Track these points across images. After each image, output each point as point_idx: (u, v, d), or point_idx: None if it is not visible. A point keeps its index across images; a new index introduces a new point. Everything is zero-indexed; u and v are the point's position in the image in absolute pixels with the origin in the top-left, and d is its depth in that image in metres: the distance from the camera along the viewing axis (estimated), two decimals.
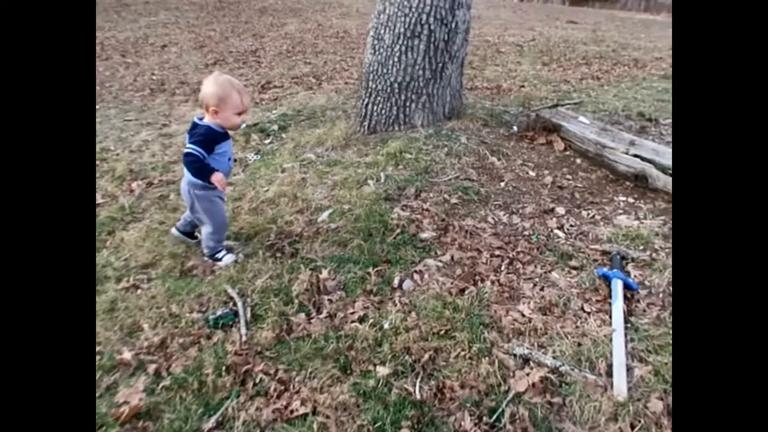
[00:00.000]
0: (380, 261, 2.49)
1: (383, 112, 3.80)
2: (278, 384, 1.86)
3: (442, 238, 2.68)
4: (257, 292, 2.29)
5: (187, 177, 2.36)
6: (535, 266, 2.49)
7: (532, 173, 3.34)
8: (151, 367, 1.95)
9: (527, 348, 1.97)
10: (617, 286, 2.27)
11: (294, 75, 6.78)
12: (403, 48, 3.61)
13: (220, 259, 2.52)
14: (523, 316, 2.16)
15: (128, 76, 6.92)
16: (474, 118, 3.94)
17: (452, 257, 2.53)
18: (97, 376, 1.94)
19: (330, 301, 2.26)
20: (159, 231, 2.84)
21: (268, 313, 2.16)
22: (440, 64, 3.69)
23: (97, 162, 3.96)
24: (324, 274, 2.39)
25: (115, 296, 2.34)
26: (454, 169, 3.31)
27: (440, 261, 2.51)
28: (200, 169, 2.25)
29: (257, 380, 1.88)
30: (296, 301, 2.23)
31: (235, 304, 2.24)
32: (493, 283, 2.36)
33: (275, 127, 4.44)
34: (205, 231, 2.48)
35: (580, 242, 2.69)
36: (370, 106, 3.84)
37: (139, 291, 2.39)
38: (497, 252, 2.58)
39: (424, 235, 2.68)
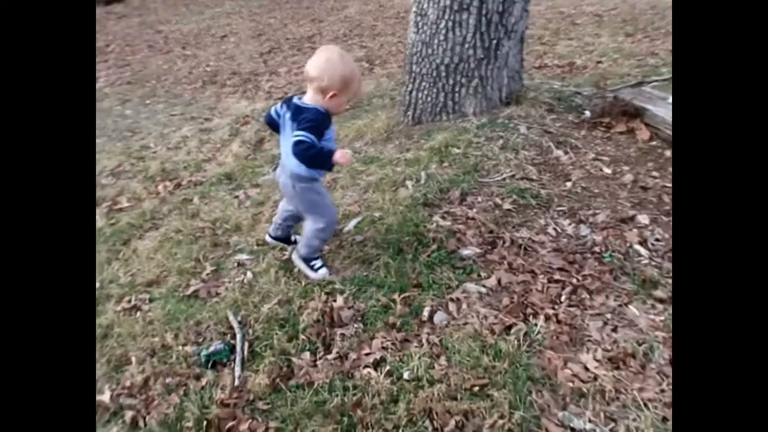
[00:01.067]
0: (409, 285, 2.06)
1: (429, 99, 3.32)
2: None
3: (488, 255, 2.20)
4: (261, 322, 1.95)
5: (288, 170, 2.00)
6: (607, 296, 1.95)
7: (607, 170, 2.74)
8: (128, 415, 1.67)
9: (590, 420, 1.48)
10: None
11: None
12: (450, 24, 3.10)
13: (315, 270, 2.15)
14: (587, 369, 1.65)
15: (184, 69, 6.88)
16: (537, 103, 3.35)
17: (499, 281, 2.05)
18: None
19: (343, 336, 1.87)
20: (173, 241, 2.58)
21: (268, 350, 1.81)
22: (494, 41, 3.14)
23: (133, 161, 3.83)
24: (339, 301, 2.00)
25: (113, 320, 2.10)
26: (509, 166, 2.78)
27: (483, 286, 2.04)
28: (317, 155, 1.85)
29: None
30: (302, 335, 1.86)
31: (233, 337, 1.91)
32: (548, 319, 1.86)
33: None
34: (310, 228, 2.10)
35: (669, 263, 2.10)
36: (414, 93, 3.37)
37: (138, 314, 2.13)
38: (557, 275, 2.06)
39: (465, 252, 2.21)
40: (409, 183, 2.73)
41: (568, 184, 2.64)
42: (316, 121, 1.84)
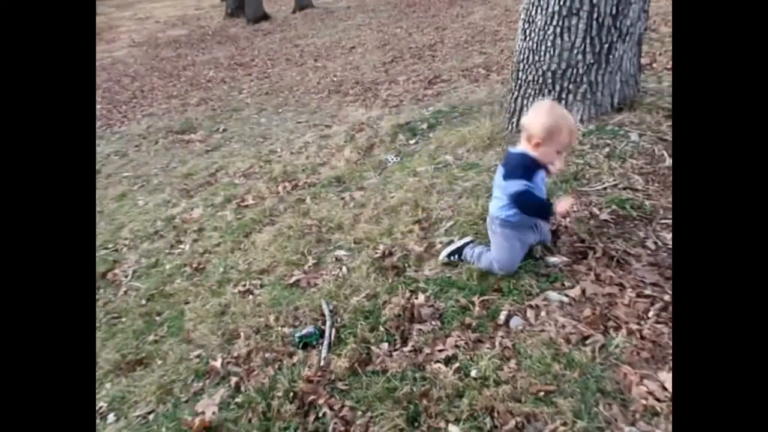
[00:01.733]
0: (489, 289, 2.11)
1: None
2: (339, 422, 1.69)
3: (576, 264, 2.16)
4: (348, 312, 2.15)
5: (491, 213, 2.15)
6: None
7: None
8: (233, 380, 1.96)
9: None
10: None
11: (465, 67, 6.48)
12: (558, 30, 3.05)
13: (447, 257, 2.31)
14: (664, 389, 1.58)
15: (314, 79, 7.49)
16: (655, 109, 3.15)
17: (583, 291, 2.02)
18: (189, 380, 2.03)
19: (420, 331, 1.99)
20: (285, 236, 2.91)
21: (351, 338, 2.00)
22: (606, 45, 3.02)
23: (262, 164, 4.31)
24: (420, 298, 2.12)
25: (230, 300, 2.45)
26: (613, 175, 2.67)
27: (566, 295, 2.02)
28: (538, 207, 2.01)
29: (320, 414, 1.74)
30: (382, 327, 2.02)
31: (324, 323, 2.13)
32: (631, 333, 1.80)
33: (425, 125, 4.25)
34: (488, 258, 2.17)
35: None
36: (519, 100, 3.36)
37: (250, 297, 2.46)
38: (648, 290, 1.97)
39: (552, 260, 2.20)
40: None
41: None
42: (523, 166, 1.97)
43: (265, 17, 15.35)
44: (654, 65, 4.97)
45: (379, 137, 4.24)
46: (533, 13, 3.15)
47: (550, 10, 3.05)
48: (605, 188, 2.60)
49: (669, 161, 2.71)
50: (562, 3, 3.00)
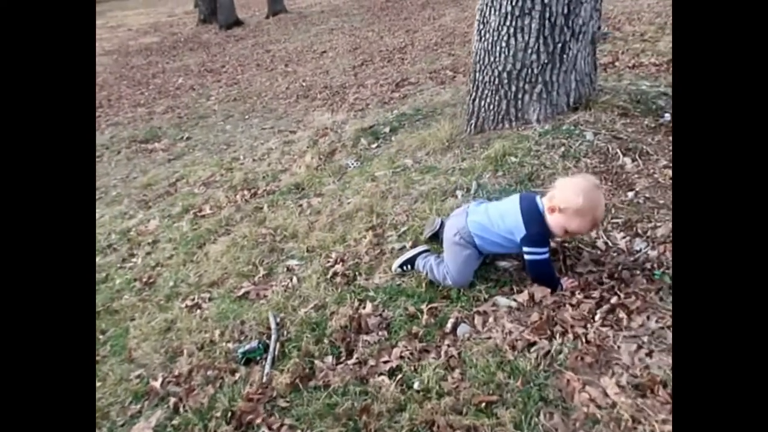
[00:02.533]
0: (438, 296, 2.07)
1: (491, 107, 3.26)
2: None
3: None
4: (295, 324, 2.09)
5: (454, 226, 2.07)
6: (648, 317, 1.79)
7: None
8: (172, 401, 1.88)
9: None
10: None
11: (433, 69, 6.46)
12: (511, 30, 3.03)
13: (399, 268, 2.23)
14: (606, 395, 1.54)
15: (283, 85, 7.41)
16: (610, 107, 3.14)
17: (531, 296, 1.98)
18: (127, 402, 1.95)
19: (366, 343, 1.94)
20: (239, 246, 2.83)
21: (295, 352, 1.94)
22: (559, 44, 3.00)
23: (223, 172, 4.23)
24: (368, 308, 2.07)
25: (177, 315, 2.37)
26: (567, 174, 2.65)
27: (514, 300, 1.98)
28: (549, 280, 1.96)
29: None
30: (328, 339, 1.96)
31: (269, 337, 2.06)
32: (577, 337, 1.76)
33: (388, 129, 4.20)
34: (441, 269, 2.09)
35: None
36: (477, 101, 3.33)
37: (197, 311, 2.38)
38: (596, 292, 1.93)
39: (502, 263, 2.16)
40: (459, 193, 2.72)
41: (630, 194, 2.45)
42: (541, 235, 1.91)
43: (238, 23, 15.21)
44: (616, 63, 5.01)
45: (342, 142, 4.18)
46: (487, 14, 3.13)
47: (503, 10, 3.03)
48: None
49: (622, 160, 2.70)
50: (514, 3, 2.97)
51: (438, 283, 2.10)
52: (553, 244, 2.10)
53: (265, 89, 7.32)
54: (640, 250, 2.12)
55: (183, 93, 7.99)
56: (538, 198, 1.95)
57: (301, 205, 3.18)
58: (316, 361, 1.88)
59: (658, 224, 2.23)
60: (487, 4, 3.12)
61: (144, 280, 2.76)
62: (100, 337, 2.40)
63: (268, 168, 4.03)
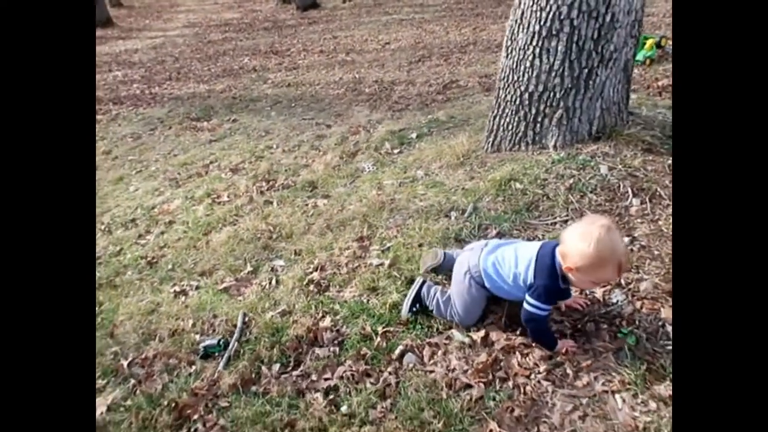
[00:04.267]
0: (396, 320, 2.07)
1: (510, 127, 3.17)
2: None
3: (492, 305, 2.08)
4: (259, 326, 2.17)
5: (465, 262, 1.98)
6: (596, 379, 1.72)
7: None
8: (131, 383, 2.02)
9: None
10: None
11: (485, 74, 6.31)
12: (537, 50, 2.91)
13: (408, 305, 2.09)
14: None
15: (338, 74, 7.51)
16: (634, 140, 2.96)
17: (487, 336, 1.94)
18: (96, 377, 2.11)
19: (316, 356, 1.98)
20: (238, 239, 2.95)
21: (248, 354, 2.02)
22: (586, 70, 2.86)
23: (253, 159, 4.38)
24: (326, 321, 2.11)
25: (163, 299, 2.51)
26: (567, 209, 2.55)
27: (469, 337, 1.95)
28: (544, 339, 1.84)
29: (192, 429, 1.77)
30: (282, 347, 2.03)
31: (231, 334, 2.16)
32: (516, 387, 1.72)
33: (415, 134, 4.18)
34: (448, 305, 2.01)
35: None
36: (497, 119, 3.24)
37: (182, 298, 2.51)
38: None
39: None
40: (453, 214, 2.69)
41: (626, 239, 2.32)
42: (548, 292, 1.73)
43: (315, 5, 15.47)
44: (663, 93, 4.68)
45: (369, 143, 4.22)
46: (516, 31, 3.02)
47: (531, 29, 2.92)
48: (554, 223, 2.49)
49: (630, 200, 2.55)
50: (542, 23, 2.86)
51: (443, 318, 2.03)
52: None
53: (320, 78, 7.44)
54: (616, 302, 2.02)
55: (244, 73, 8.29)
56: (557, 249, 1.73)
57: (307, 205, 3.25)
58: (264, 368, 1.95)
59: (645, 277, 2.11)
60: (516, 21, 3.02)
61: (149, 259, 2.95)
62: (96, 309, 2.59)
63: (293, 161, 4.13)
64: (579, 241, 1.62)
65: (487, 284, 1.92)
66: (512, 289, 1.86)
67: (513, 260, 1.84)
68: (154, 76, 9.00)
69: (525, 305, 1.77)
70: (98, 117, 6.57)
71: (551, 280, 1.73)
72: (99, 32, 14.46)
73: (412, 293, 2.10)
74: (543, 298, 1.73)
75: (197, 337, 2.19)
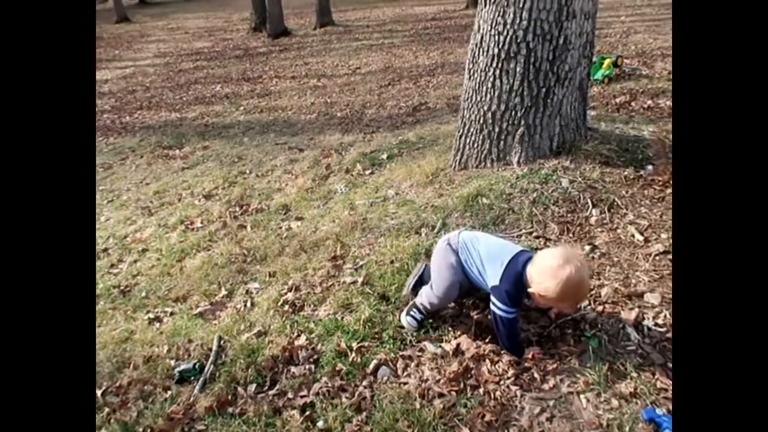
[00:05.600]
0: (371, 335, 2.12)
1: (475, 145, 3.29)
2: None
3: (462, 316, 2.15)
4: (235, 349, 2.18)
5: (448, 235, 2.09)
6: (562, 381, 1.79)
7: (638, 236, 2.45)
8: (105, 411, 2.00)
9: None
10: None
11: (453, 95, 6.50)
12: (497, 72, 3.06)
13: (407, 314, 2.12)
14: None
15: (310, 99, 7.62)
16: (594, 154, 3.11)
17: (458, 346, 2.00)
18: None
19: (292, 375, 2.01)
20: (212, 263, 2.97)
21: (224, 376, 2.03)
22: (543, 89, 3.01)
23: (226, 185, 4.41)
24: (302, 339, 2.15)
25: (138, 327, 2.51)
26: (532, 222, 2.65)
27: (441, 348, 2.01)
28: (511, 342, 1.88)
29: None
30: (257, 367, 2.05)
31: (207, 358, 2.17)
32: (486, 393, 1.78)
33: (386, 156, 4.28)
34: (427, 287, 2.09)
35: (658, 354, 1.84)
36: (463, 138, 3.37)
37: (157, 325, 2.51)
38: None
39: (443, 312, 2.19)
40: (423, 230, 2.76)
41: (587, 248, 2.43)
42: (515, 294, 1.80)
43: (286, 33, 15.69)
44: (633, 104, 4.91)
45: (341, 165, 4.30)
46: (477, 54, 3.17)
47: (491, 52, 3.07)
48: (520, 235, 2.58)
49: (590, 211, 2.68)
50: (501, 46, 3.01)
51: (419, 312, 2.08)
52: None
53: (292, 103, 7.54)
54: (580, 308, 2.10)
55: (217, 101, 8.33)
56: (528, 269, 1.78)
57: (280, 227, 3.29)
58: (240, 388, 1.97)
59: (606, 282, 2.21)
60: (477, 45, 3.16)
61: (122, 287, 2.94)
62: None
63: (267, 185, 4.18)
64: (549, 278, 1.69)
65: (462, 257, 1.98)
66: (478, 275, 1.94)
67: (486, 250, 1.93)
68: (124, 105, 8.97)
69: (492, 308, 1.84)
70: None
71: (515, 289, 1.81)
72: None
73: (416, 273, 2.21)
74: (508, 302, 1.80)
75: (172, 362, 2.19)
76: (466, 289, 2.08)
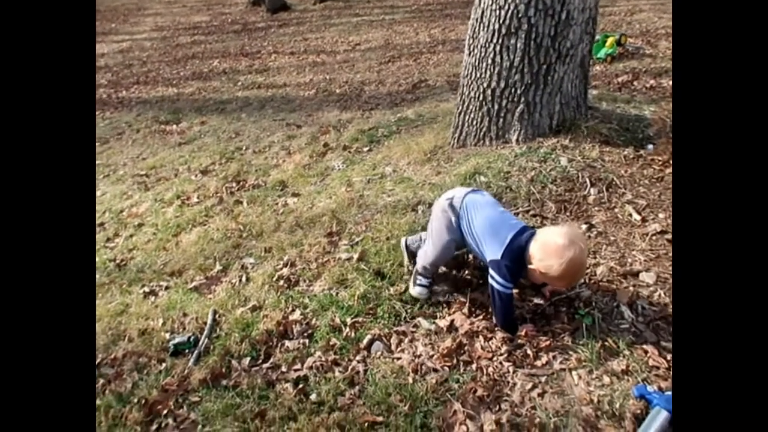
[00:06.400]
0: (365, 310, 2.12)
1: (474, 123, 3.25)
2: None
3: (458, 293, 2.15)
4: (229, 323, 2.19)
5: (451, 192, 2.09)
6: (554, 358, 1.79)
7: (636, 216, 2.44)
8: (100, 382, 2.02)
9: None
10: (658, 419, 1.48)
11: (453, 73, 6.41)
12: (498, 48, 3.00)
13: (414, 285, 2.14)
14: (481, 430, 1.57)
15: (308, 76, 7.52)
16: (594, 133, 3.07)
17: (452, 323, 2.01)
18: None
19: (286, 349, 2.02)
20: (208, 238, 2.96)
21: (218, 350, 2.04)
22: (544, 66, 2.96)
23: (223, 161, 4.38)
24: (296, 315, 2.15)
25: (133, 300, 2.51)
26: (529, 200, 2.64)
27: (435, 324, 2.02)
28: (504, 317, 1.88)
29: (162, 424, 1.78)
30: (252, 341, 2.05)
31: (202, 331, 2.17)
32: (479, 369, 1.79)
33: (385, 132, 4.24)
34: (422, 248, 2.16)
35: (651, 332, 1.84)
36: (462, 115, 3.33)
37: (152, 299, 2.52)
38: None
39: (436, 287, 2.19)
40: (420, 208, 2.75)
41: (584, 227, 2.42)
42: (514, 269, 1.81)
43: (285, 8, 15.41)
44: (635, 83, 4.85)
45: (339, 142, 4.26)
46: (477, 29, 3.11)
47: (491, 27, 3.01)
48: (517, 213, 2.56)
49: (588, 190, 2.66)
50: (501, 21, 2.95)
51: (424, 277, 2.11)
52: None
53: (290, 79, 7.44)
54: (575, 287, 2.10)
55: (214, 76, 8.23)
56: (531, 245, 1.78)
57: (277, 204, 3.28)
58: (234, 362, 1.98)
59: (601, 261, 2.21)
60: (477, 20, 3.10)
61: (117, 261, 2.94)
62: None
63: (264, 162, 4.15)
64: (553, 256, 1.70)
65: (462, 223, 1.99)
66: (477, 244, 1.94)
67: (488, 222, 1.92)
68: (121, 80, 8.85)
69: (491, 281, 1.85)
70: None
71: (516, 265, 1.82)
72: None
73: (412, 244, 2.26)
74: (505, 276, 1.81)
75: (167, 335, 2.20)
76: (459, 245, 2.09)
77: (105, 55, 11.60)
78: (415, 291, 2.13)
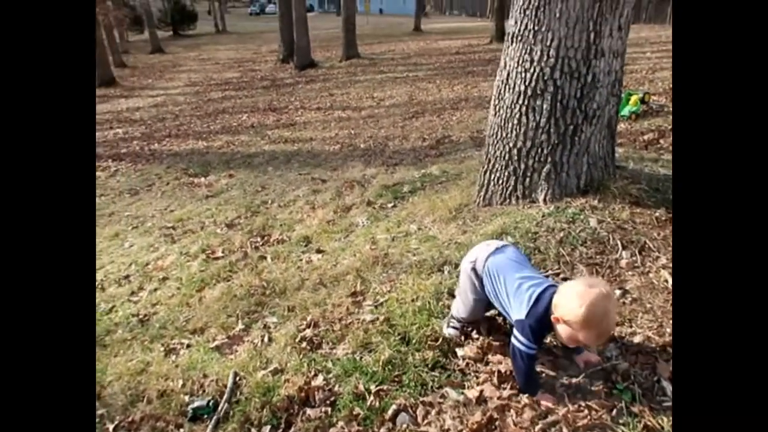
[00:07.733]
0: (390, 378, 2.04)
1: (500, 182, 3.24)
2: None
3: (487, 358, 2.06)
4: (250, 386, 2.13)
5: (474, 253, 2.10)
6: None
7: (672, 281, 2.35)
8: None
9: None
10: None
11: (477, 129, 6.50)
12: (524, 108, 3.03)
13: (448, 326, 2.21)
14: None
15: (334, 130, 7.71)
16: (622, 194, 3.02)
17: (481, 392, 1.91)
18: None
19: (307, 417, 1.94)
20: (231, 295, 2.94)
21: (238, 416, 1.97)
22: (571, 127, 2.96)
23: (249, 215, 4.43)
24: (319, 380, 2.08)
25: (154, 358, 2.48)
26: (559, 263, 2.57)
27: (464, 394, 1.92)
28: (524, 376, 1.85)
29: None
30: (273, 408, 1.98)
31: (222, 394, 2.11)
32: None
33: (409, 189, 4.26)
34: (456, 301, 2.21)
35: None
36: (488, 174, 3.32)
37: (173, 357, 2.48)
38: (547, 400, 1.84)
39: (461, 353, 2.11)
40: (447, 268, 2.70)
41: (618, 292, 2.33)
42: (539, 332, 1.78)
43: (312, 65, 16.08)
44: (661, 141, 4.82)
45: (363, 197, 4.28)
46: (503, 90, 3.15)
47: (516, 89, 3.05)
48: (546, 276, 2.49)
49: (620, 253, 2.58)
50: (527, 83, 2.99)
51: (457, 321, 2.18)
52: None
53: (317, 134, 7.63)
54: (611, 357, 2.00)
55: (243, 130, 8.50)
56: (557, 293, 1.75)
57: (301, 260, 3.26)
58: (253, 430, 1.91)
59: (639, 330, 2.10)
60: (503, 81, 3.15)
61: (140, 316, 2.93)
62: None
63: (288, 216, 4.18)
64: (573, 298, 1.65)
65: (486, 285, 2.00)
66: (501, 304, 1.95)
67: (513, 284, 1.88)
68: (154, 133, 9.21)
69: (513, 341, 1.81)
70: (97, 173, 6.68)
71: (539, 325, 1.77)
72: (102, 91, 14.91)
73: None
74: (528, 336, 1.77)
75: (186, 398, 2.14)
76: (488, 306, 2.11)
77: (140, 108, 12.14)
78: (447, 332, 2.19)
